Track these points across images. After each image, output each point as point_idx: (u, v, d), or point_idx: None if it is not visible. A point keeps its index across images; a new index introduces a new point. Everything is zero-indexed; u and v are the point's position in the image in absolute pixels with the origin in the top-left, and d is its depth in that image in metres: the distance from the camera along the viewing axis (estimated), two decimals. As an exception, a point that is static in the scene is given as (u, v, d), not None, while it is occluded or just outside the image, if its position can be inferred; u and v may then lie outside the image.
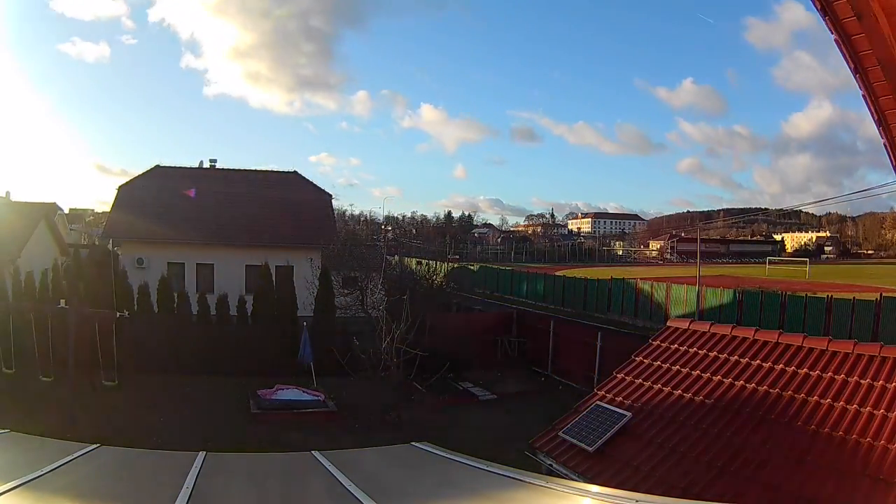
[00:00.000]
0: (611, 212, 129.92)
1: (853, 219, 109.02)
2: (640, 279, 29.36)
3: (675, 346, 6.64)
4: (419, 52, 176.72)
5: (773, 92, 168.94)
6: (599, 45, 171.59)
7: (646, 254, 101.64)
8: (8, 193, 23.64)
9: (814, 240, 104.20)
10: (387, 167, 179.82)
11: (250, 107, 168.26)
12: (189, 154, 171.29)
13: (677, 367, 6.30)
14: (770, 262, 63.47)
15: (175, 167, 24.85)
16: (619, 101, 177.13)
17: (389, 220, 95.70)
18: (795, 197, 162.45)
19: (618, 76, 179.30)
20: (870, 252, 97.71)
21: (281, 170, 25.82)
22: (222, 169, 25.84)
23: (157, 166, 24.25)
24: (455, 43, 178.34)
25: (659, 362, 6.53)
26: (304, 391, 12.72)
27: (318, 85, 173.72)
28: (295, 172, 25.80)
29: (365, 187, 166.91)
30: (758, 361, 5.72)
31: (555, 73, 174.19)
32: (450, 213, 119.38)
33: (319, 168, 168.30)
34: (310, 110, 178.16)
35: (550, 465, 5.91)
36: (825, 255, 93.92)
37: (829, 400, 4.86)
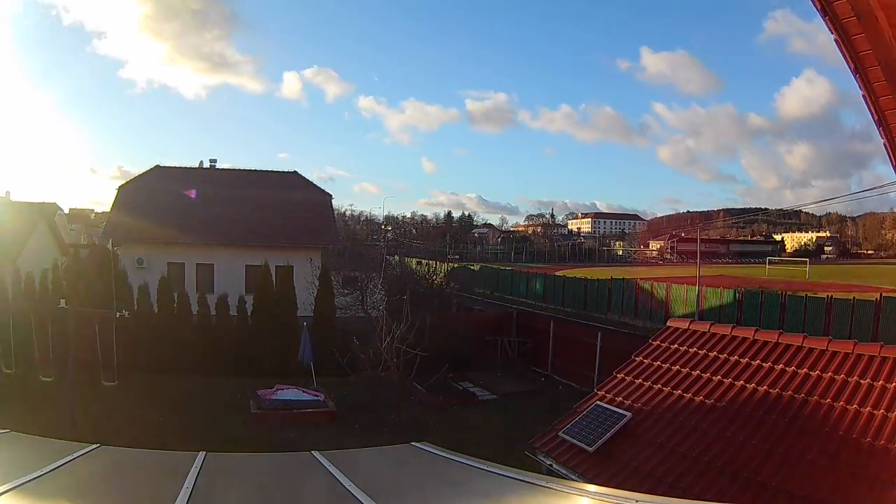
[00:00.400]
0: (608, 211, 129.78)
1: (853, 219, 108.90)
2: (640, 279, 29.36)
3: (675, 346, 6.64)
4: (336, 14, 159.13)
5: (765, 62, 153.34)
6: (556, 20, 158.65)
7: (646, 254, 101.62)
8: (8, 193, 23.63)
9: (814, 240, 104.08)
10: (352, 161, 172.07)
11: (171, 95, 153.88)
12: (137, 154, 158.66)
13: (677, 367, 6.29)
14: (770, 262, 63.33)
15: (175, 167, 24.90)
16: (589, 84, 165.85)
17: (389, 219, 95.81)
18: (796, 192, 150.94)
19: (588, 54, 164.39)
20: (870, 252, 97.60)
21: (281, 170, 25.92)
22: (222, 169, 25.94)
23: (157, 166, 24.28)
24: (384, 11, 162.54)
25: (659, 362, 6.53)
26: (304, 391, 12.73)
27: (233, 66, 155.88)
28: (295, 172, 25.86)
29: (341, 183, 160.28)
30: (758, 361, 5.72)
31: (507, 54, 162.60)
32: (450, 213, 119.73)
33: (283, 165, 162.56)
34: (236, 99, 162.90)
35: (550, 465, 5.91)
36: (825, 255, 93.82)
37: (829, 400, 4.86)
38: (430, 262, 28.19)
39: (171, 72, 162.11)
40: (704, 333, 6.57)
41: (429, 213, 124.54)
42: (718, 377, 5.81)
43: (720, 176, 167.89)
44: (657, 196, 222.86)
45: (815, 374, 5.19)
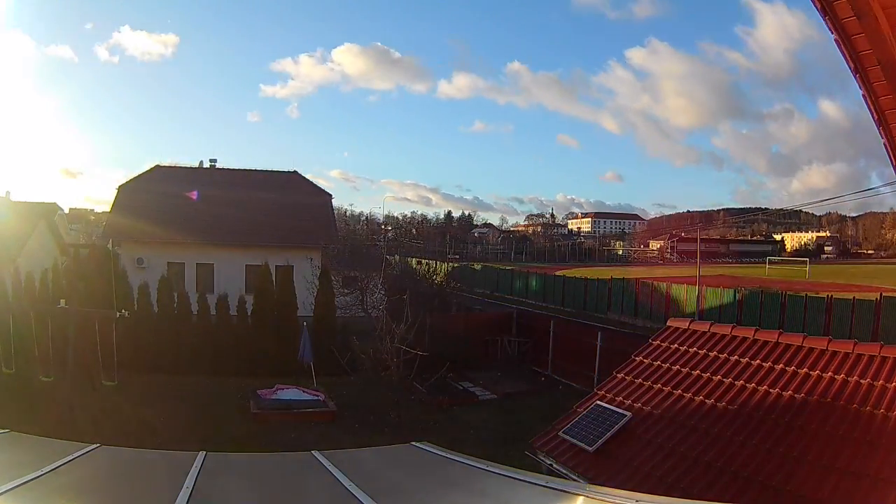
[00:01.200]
0: (610, 212, 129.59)
1: (853, 218, 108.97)
2: (640, 279, 29.36)
3: (675, 345, 6.64)
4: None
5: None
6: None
7: (646, 253, 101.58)
8: (8, 193, 23.60)
9: (814, 239, 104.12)
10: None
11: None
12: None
13: (677, 367, 6.29)
14: (770, 262, 63.36)
15: (175, 167, 24.97)
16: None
17: (389, 219, 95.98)
18: (793, 186, 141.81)
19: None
20: (870, 252, 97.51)
21: (281, 170, 25.96)
22: (222, 169, 25.93)
23: (157, 166, 24.32)
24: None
25: (659, 362, 6.53)
26: (304, 391, 12.72)
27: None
28: (295, 172, 25.92)
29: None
30: (758, 361, 5.72)
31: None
32: (450, 212, 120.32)
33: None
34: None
35: (550, 465, 5.91)
36: (825, 255, 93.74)
37: (829, 400, 4.86)
38: (431, 261, 28.24)
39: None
40: (704, 333, 6.57)
41: (429, 213, 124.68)
42: (718, 377, 5.81)
43: (703, 159, 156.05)
44: (644, 193, 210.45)
45: (815, 374, 5.19)
